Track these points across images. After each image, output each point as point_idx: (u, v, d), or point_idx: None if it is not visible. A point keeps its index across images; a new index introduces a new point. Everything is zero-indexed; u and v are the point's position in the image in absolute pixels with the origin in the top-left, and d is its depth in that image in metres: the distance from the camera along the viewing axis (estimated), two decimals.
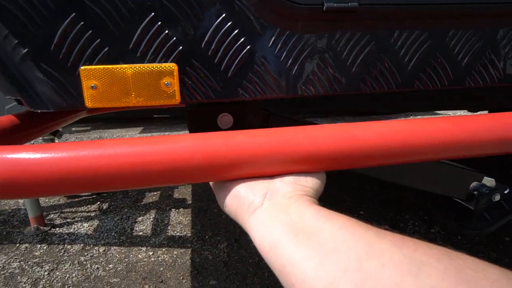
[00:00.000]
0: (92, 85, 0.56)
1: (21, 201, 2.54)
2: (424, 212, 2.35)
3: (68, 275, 1.81)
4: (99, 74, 0.56)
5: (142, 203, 2.64)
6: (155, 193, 2.77)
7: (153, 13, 0.57)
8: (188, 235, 2.22)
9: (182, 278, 1.83)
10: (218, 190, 0.57)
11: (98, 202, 2.61)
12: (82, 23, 0.55)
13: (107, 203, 2.61)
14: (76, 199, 2.62)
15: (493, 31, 0.71)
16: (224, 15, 0.59)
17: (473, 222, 1.06)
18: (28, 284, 1.75)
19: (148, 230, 2.27)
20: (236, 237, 2.18)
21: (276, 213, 0.46)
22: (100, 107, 0.57)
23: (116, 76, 0.56)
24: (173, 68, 0.59)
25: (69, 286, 1.74)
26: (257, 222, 0.47)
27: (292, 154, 0.52)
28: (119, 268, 1.89)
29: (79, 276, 1.81)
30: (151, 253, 2.03)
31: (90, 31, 0.55)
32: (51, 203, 2.58)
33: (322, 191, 0.55)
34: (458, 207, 1.12)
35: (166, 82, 0.59)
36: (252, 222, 0.48)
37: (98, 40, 0.56)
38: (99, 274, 1.83)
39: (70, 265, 1.89)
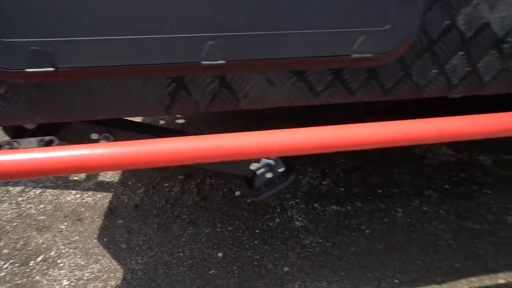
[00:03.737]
0: None
1: None
2: (325, 168, 2.68)
3: (4, 213, 2.25)
4: None
5: None
6: None
7: None
8: (115, 181, 2.62)
9: (96, 217, 2.26)
10: None
11: None
12: None
13: None
14: None
15: None
16: None
17: (253, 191, 1.43)
18: None
19: (82, 175, 2.66)
20: (154, 183, 2.56)
21: None
22: None
23: None
24: None
25: (3, 221, 2.18)
26: None
27: None
28: (48, 208, 2.32)
29: (13, 214, 2.25)
30: (78, 195, 2.45)
31: None
32: None
33: None
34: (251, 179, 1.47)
35: None
36: None
37: None
38: (30, 213, 2.27)
39: (8, 204, 2.33)
